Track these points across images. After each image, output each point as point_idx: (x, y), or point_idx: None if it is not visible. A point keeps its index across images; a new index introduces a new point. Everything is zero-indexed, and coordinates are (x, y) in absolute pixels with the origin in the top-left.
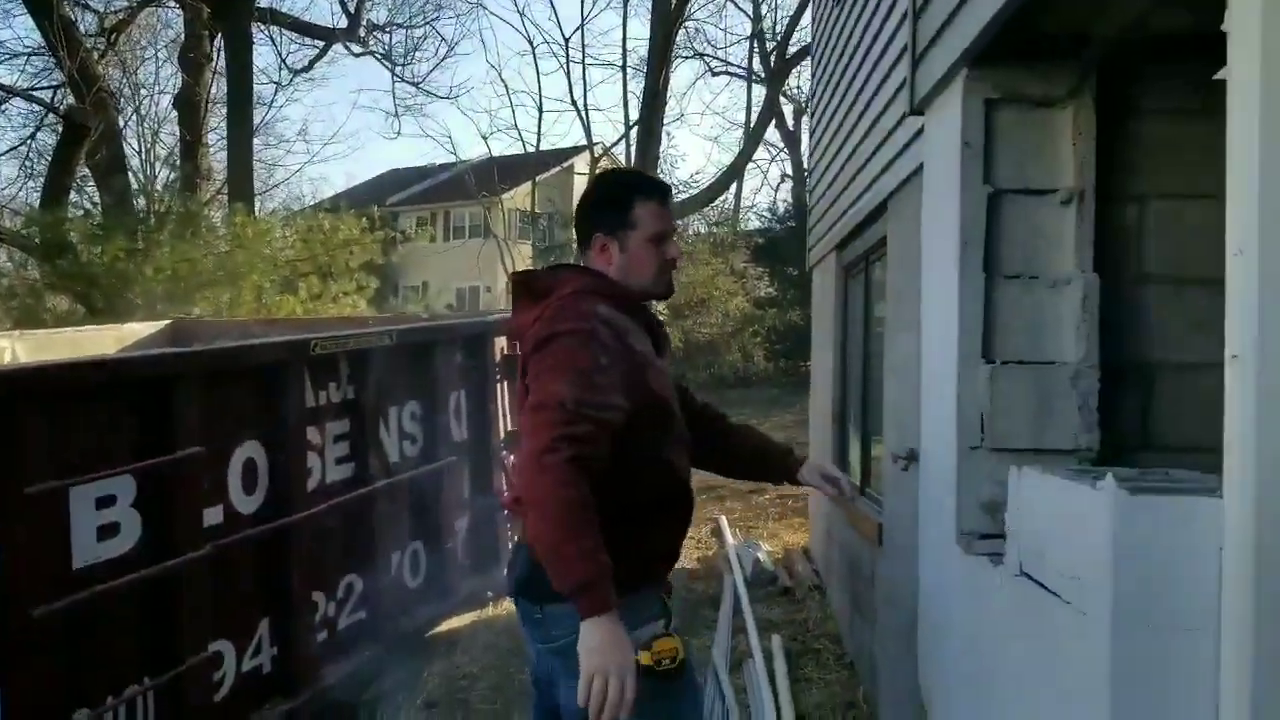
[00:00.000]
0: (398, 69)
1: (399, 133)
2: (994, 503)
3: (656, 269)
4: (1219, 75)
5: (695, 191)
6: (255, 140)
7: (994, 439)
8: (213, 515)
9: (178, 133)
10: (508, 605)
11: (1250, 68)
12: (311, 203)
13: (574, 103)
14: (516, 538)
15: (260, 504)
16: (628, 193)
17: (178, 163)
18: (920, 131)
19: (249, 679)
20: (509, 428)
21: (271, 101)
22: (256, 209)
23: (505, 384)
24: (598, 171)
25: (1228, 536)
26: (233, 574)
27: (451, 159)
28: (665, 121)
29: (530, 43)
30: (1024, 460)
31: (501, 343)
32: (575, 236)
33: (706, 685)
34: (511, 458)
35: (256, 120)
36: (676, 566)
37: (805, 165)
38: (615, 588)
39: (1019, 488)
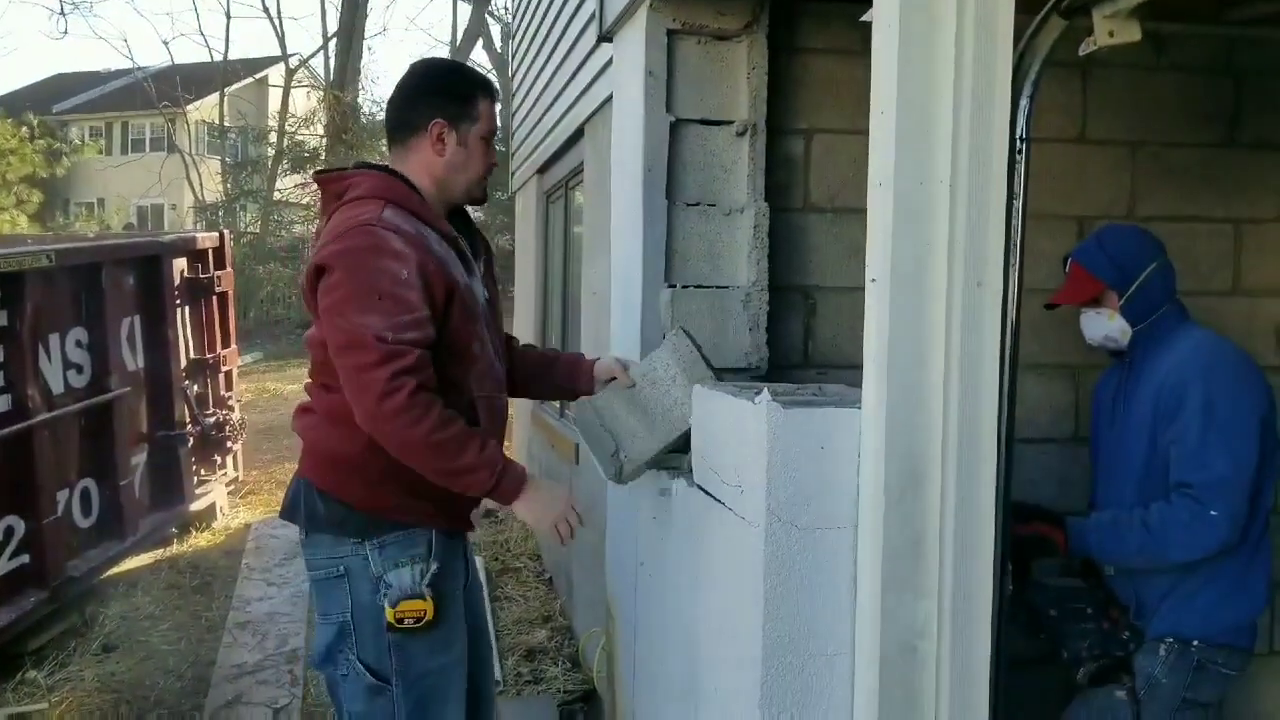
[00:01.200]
0: None
1: (65, 32)
2: None
3: (483, 169)
4: (865, 18)
5: None
6: None
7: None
8: None
9: None
10: (193, 542)
11: (890, 10)
12: None
13: (266, 9)
14: None
15: None
16: (471, 85)
17: None
18: (611, 60)
19: None
20: (191, 356)
21: None
22: None
23: (186, 309)
24: (423, 58)
25: (863, 444)
26: None
27: (128, 64)
28: (367, 35)
29: None
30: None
31: (181, 264)
32: (393, 124)
33: None
34: (195, 388)
35: None
36: None
37: (510, 89)
38: (382, 521)
39: (695, 405)
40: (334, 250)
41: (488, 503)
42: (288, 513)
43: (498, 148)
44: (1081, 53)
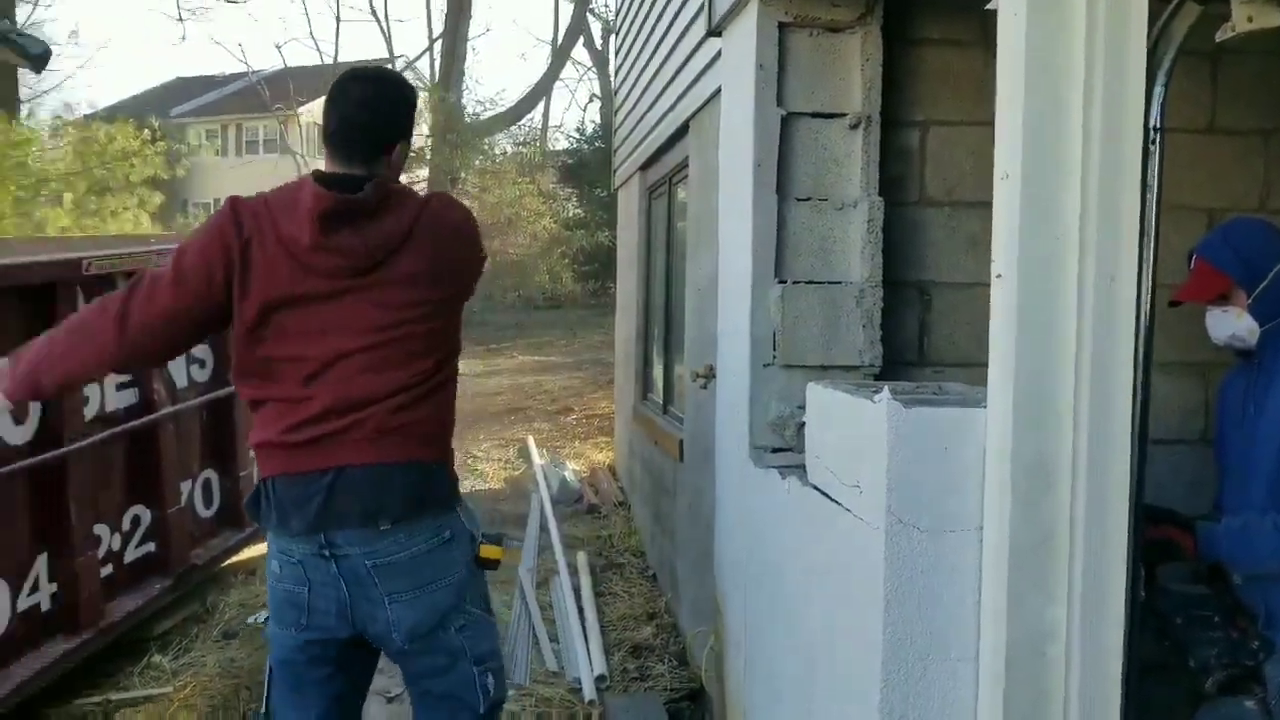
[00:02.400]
0: None
1: (184, 38)
2: (782, 418)
3: None
4: (991, 5)
5: (502, 109)
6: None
7: (785, 356)
8: None
9: None
10: None
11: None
12: (88, 112)
13: (374, 12)
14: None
15: (33, 434)
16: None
17: None
18: (719, 54)
19: (26, 618)
20: None
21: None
22: (24, 116)
23: None
24: (394, 75)
25: (989, 444)
26: (3, 509)
27: (243, 68)
28: (470, 36)
29: None
30: (813, 377)
31: None
32: (375, 136)
33: (513, 603)
34: None
35: (21, 19)
36: (482, 486)
37: (612, 85)
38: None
39: (809, 403)
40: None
41: (590, 497)
42: (381, 511)
43: (598, 145)
44: (1219, 39)
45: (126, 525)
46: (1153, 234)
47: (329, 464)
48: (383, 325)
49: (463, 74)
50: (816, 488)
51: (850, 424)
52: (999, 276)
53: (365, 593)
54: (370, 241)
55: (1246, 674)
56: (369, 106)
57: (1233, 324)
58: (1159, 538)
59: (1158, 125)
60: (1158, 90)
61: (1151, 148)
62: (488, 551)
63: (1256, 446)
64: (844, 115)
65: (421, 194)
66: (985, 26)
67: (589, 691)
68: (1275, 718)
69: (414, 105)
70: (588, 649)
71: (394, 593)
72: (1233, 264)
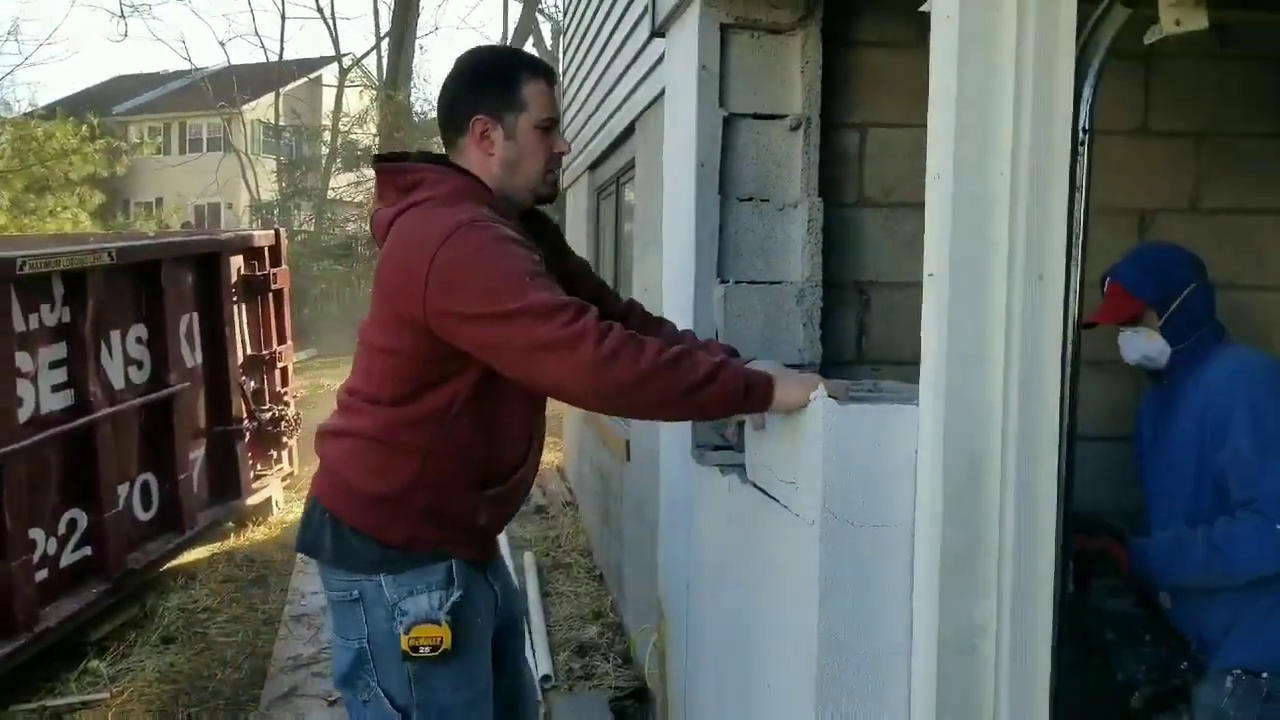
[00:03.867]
0: None
1: (125, 35)
2: None
3: (545, 162)
4: (924, 7)
5: None
6: None
7: (727, 355)
8: None
9: None
10: (249, 535)
11: (949, 0)
12: (27, 110)
13: (320, 9)
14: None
15: None
16: (514, 67)
17: None
18: (663, 55)
19: None
20: (248, 352)
21: None
22: None
23: (243, 306)
24: (474, 48)
25: (921, 442)
26: None
27: (186, 66)
28: (419, 34)
29: None
30: None
31: (238, 262)
32: (441, 124)
33: None
34: (251, 383)
35: None
36: None
37: (561, 86)
38: (406, 552)
39: None
40: (448, 259)
41: (538, 498)
42: (309, 547)
43: None
44: (1147, 41)
45: (62, 529)
46: (1082, 234)
47: None
48: (372, 335)
49: (411, 73)
50: (755, 485)
51: (786, 421)
52: (931, 276)
53: None
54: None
55: (1174, 692)
56: (437, 101)
57: (1144, 345)
58: (1093, 548)
59: (1087, 126)
60: (1087, 92)
61: (1081, 149)
62: (418, 634)
63: (1172, 469)
64: (785, 116)
65: (440, 206)
66: (922, 29)
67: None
68: None
69: (471, 80)
70: (533, 649)
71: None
72: (1145, 287)
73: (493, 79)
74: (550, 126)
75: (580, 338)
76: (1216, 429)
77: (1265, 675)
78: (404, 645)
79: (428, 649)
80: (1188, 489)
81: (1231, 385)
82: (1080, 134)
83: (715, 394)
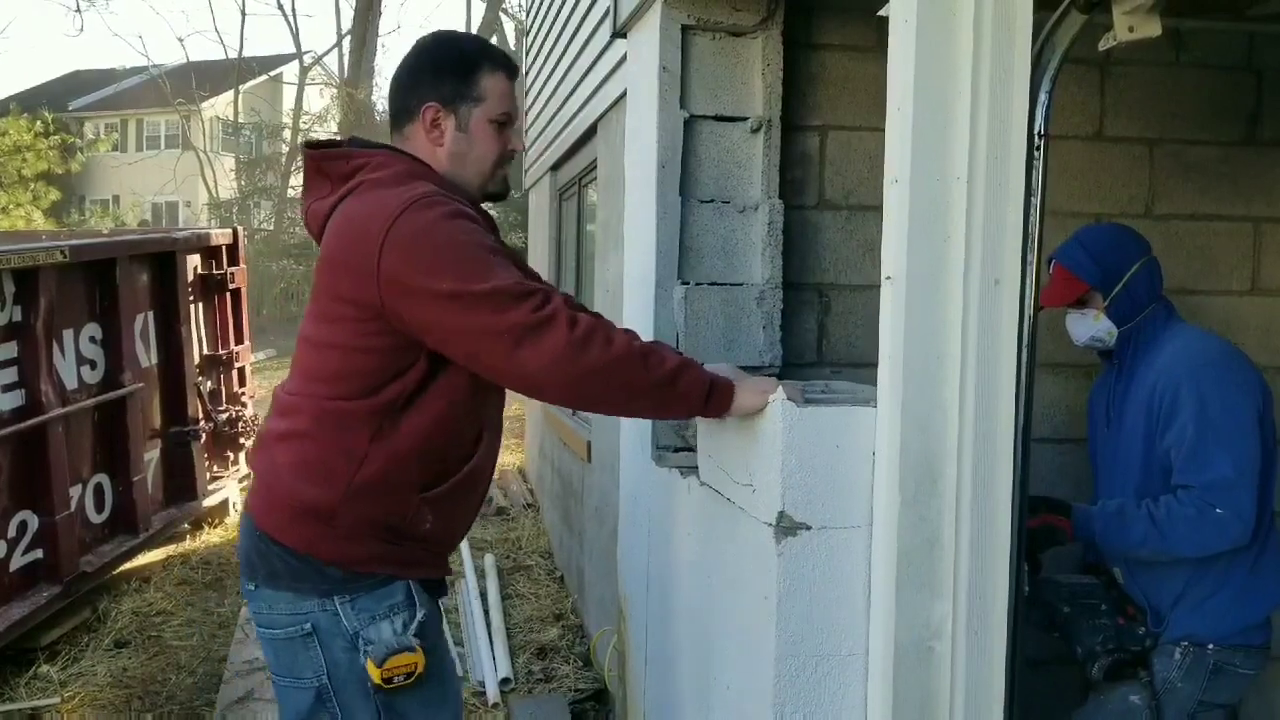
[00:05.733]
0: None
1: (82, 30)
2: None
3: (496, 158)
4: (883, 11)
5: None
6: None
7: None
8: None
9: None
10: (205, 538)
11: (907, 4)
12: None
13: (280, 6)
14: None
15: None
16: (475, 57)
17: None
18: (625, 56)
19: None
20: (204, 352)
21: None
22: None
23: (200, 306)
24: (436, 31)
25: (878, 444)
26: None
27: (144, 62)
28: (381, 33)
29: None
30: None
31: (195, 261)
32: (391, 108)
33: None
34: (208, 384)
35: None
36: None
37: (524, 82)
38: (354, 575)
39: None
40: (401, 237)
41: (499, 499)
42: (250, 570)
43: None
44: (1101, 48)
45: (13, 531)
46: (1037, 238)
47: None
48: (314, 333)
49: (372, 71)
50: (710, 486)
51: (741, 424)
52: (888, 279)
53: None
54: (310, 213)
55: (1131, 660)
56: (389, 85)
57: (1091, 326)
58: (1040, 525)
59: (1042, 132)
60: (1042, 97)
61: (1036, 154)
62: (393, 664)
63: (1122, 448)
64: (746, 119)
65: (384, 187)
66: (882, 33)
67: (492, 694)
68: (1161, 711)
69: (426, 67)
70: (493, 652)
71: (273, 671)
72: (1088, 268)
73: (451, 66)
74: (506, 122)
75: (551, 322)
76: (1164, 411)
77: (1211, 647)
78: (376, 679)
79: (402, 678)
80: (1137, 467)
81: (1180, 368)
82: (1036, 139)
83: (681, 391)
